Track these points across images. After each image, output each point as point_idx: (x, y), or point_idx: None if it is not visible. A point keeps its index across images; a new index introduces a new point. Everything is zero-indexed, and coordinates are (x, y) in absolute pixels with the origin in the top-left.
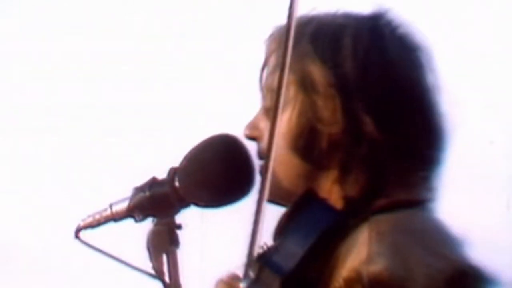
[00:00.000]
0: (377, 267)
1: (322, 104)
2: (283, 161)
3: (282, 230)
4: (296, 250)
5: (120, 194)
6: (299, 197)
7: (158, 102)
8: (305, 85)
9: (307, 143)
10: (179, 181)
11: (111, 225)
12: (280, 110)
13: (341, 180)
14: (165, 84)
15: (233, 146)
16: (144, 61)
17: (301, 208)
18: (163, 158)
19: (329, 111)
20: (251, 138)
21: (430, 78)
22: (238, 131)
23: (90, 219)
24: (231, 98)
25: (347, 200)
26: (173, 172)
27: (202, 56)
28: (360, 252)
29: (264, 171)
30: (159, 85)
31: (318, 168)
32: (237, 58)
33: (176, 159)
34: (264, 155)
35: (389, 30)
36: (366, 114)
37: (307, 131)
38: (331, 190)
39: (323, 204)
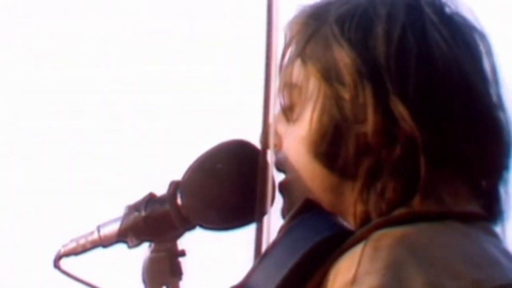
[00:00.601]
0: None
1: (349, 98)
2: (304, 171)
3: (271, 246)
4: (276, 271)
5: (110, 214)
6: (295, 209)
7: (154, 103)
8: (329, 75)
9: (332, 149)
10: (183, 198)
11: (99, 251)
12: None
13: (367, 190)
14: (162, 85)
15: (248, 155)
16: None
17: (294, 222)
18: (162, 169)
19: (358, 106)
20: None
21: (484, 67)
22: (252, 136)
23: (73, 244)
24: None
25: (367, 214)
26: (174, 186)
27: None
28: (348, 272)
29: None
30: (155, 86)
31: (343, 177)
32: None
33: (178, 171)
34: (282, 167)
35: (431, 9)
36: (403, 108)
37: (331, 133)
38: (355, 204)
39: (320, 218)
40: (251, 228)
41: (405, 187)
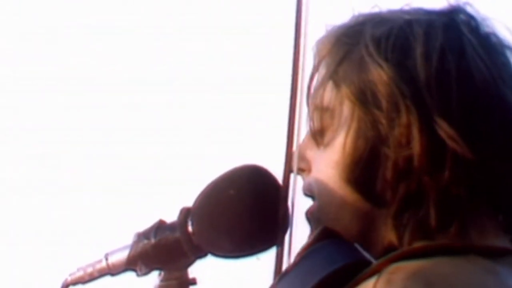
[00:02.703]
0: None
1: (388, 120)
2: (335, 196)
3: (285, 272)
4: None
5: (119, 241)
6: (313, 236)
7: (164, 123)
8: (365, 98)
9: (368, 174)
10: (194, 225)
11: (107, 280)
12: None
13: (404, 218)
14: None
15: (263, 181)
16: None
17: (310, 249)
18: (172, 196)
19: (400, 129)
20: (297, 171)
21: None
22: (266, 162)
23: (80, 273)
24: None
25: (395, 244)
26: (185, 213)
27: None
28: None
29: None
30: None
31: (376, 204)
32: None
33: (188, 197)
34: (311, 192)
35: (467, 28)
36: (450, 129)
37: (366, 157)
38: (386, 232)
39: (337, 246)
40: (271, 256)
41: (448, 216)
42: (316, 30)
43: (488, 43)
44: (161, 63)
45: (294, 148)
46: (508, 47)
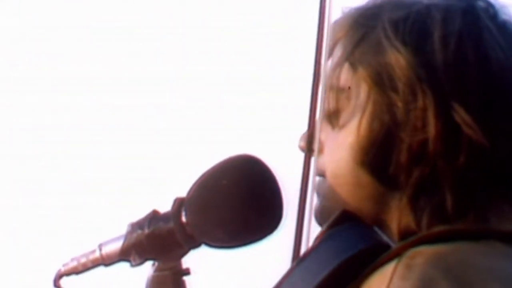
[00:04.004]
0: None
1: (404, 103)
2: (348, 179)
3: (304, 255)
4: (308, 282)
5: (112, 231)
6: (332, 219)
7: (159, 114)
8: (382, 80)
9: (382, 156)
10: (187, 215)
11: (100, 270)
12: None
13: (420, 201)
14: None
15: (254, 170)
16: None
17: (330, 233)
18: (165, 186)
19: (415, 112)
20: (309, 152)
21: None
22: (259, 151)
23: (74, 263)
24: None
25: (411, 227)
26: (179, 203)
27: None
28: None
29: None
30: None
31: (390, 186)
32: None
33: (182, 187)
34: (322, 173)
35: (486, 15)
36: (466, 114)
37: (381, 141)
38: (401, 215)
39: (357, 230)
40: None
41: (465, 200)
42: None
43: (506, 30)
44: (163, 62)
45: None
46: None
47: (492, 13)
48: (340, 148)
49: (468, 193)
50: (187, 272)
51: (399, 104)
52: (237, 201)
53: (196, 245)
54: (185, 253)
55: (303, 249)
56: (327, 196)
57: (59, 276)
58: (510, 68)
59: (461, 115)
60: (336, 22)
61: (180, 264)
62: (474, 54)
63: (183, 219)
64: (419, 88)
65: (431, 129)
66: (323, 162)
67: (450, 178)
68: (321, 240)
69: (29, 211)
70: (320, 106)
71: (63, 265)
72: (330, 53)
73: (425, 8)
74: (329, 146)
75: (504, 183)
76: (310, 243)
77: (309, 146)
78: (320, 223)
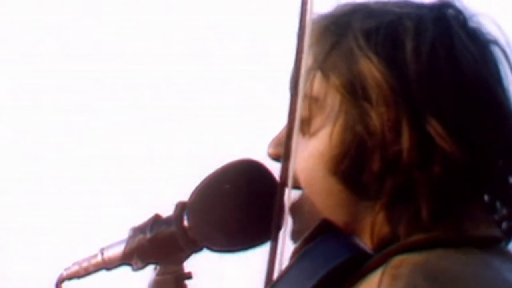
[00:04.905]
0: None
1: (377, 114)
2: (319, 187)
3: (284, 272)
4: None
5: (114, 236)
6: (310, 231)
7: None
8: (355, 90)
9: (354, 166)
10: (189, 220)
11: (102, 274)
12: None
13: (395, 211)
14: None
15: (258, 175)
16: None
17: (309, 246)
18: (167, 191)
19: (388, 122)
20: (277, 157)
21: (507, 85)
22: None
23: (75, 268)
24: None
25: (387, 236)
26: (181, 208)
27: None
28: None
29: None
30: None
31: (361, 196)
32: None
33: (184, 192)
34: (295, 182)
35: (457, 22)
36: (439, 126)
37: (353, 150)
38: (374, 224)
39: (336, 240)
40: (264, 249)
41: (440, 208)
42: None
43: (476, 37)
44: (158, 60)
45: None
46: (495, 42)
47: (463, 21)
48: (311, 157)
49: (443, 202)
50: (189, 276)
51: (372, 114)
52: (239, 206)
53: (198, 249)
54: (187, 257)
55: (277, 260)
56: (303, 218)
57: (61, 281)
58: (481, 77)
59: (434, 126)
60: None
61: (182, 268)
62: (446, 64)
63: (185, 223)
64: (392, 99)
65: (405, 140)
66: (295, 170)
67: (425, 187)
68: (301, 253)
69: (28, 213)
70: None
71: (65, 269)
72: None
73: (397, 18)
74: (300, 154)
75: (478, 190)
76: (285, 255)
77: (277, 153)
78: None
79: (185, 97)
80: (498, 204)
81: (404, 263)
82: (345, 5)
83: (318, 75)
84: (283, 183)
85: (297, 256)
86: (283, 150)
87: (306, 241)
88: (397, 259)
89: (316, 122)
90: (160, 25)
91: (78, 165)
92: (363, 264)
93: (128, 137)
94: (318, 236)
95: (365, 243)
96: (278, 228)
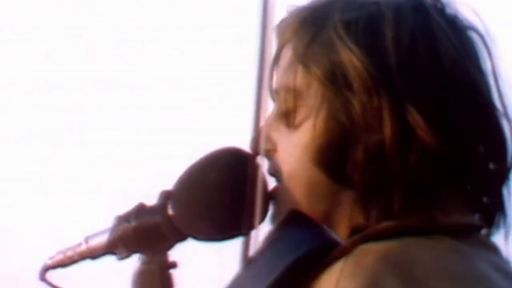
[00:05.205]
0: None
1: (360, 103)
2: (302, 178)
3: (254, 257)
4: (258, 284)
5: (98, 224)
6: (281, 220)
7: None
8: (336, 80)
9: (338, 155)
10: (174, 208)
11: (87, 263)
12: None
13: (370, 200)
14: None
15: (242, 163)
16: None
17: (278, 233)
18: (152, 179)
19: (370, 112)
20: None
21: (487, 72)
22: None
23: (60, 256)
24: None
25: (361, 226)
26: (165, 196)
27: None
28: None
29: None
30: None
31: (344, 186)
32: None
33: (168, 180)
34: (276, 173)
35: (435, 10)
36: (418, 116)
37: (337, 140)
38: (352, 214)
39: (306, 229)
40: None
41: (413, 198)
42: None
43: (455, 24)
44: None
45: (260, 129)
46: (473, 28)
47: (441, 8)
48: (296, 148)
49: (417, 191)
50: (174, 265)
51: (355, 103)
52: (224, 195)
53: (182, 238)
54: (171, 246)
55: (251, 251)
56: (283, 202)
57: (45, 269)
58: (461, 65)
59: (414, 116)
60: (283, 22)
61: (167, 257)
62: (426, 52)
63: (170, 212)
64: (374, 88)
65: (387, 129)
66: (277, 162)
67: (401, 177)
68: (270, 241)
69: (11, 206)
70: (264, 106)
71: (49, 258)
72: (279, 54)
73: (376, 7)
74: (283, 146)
75: (456, 179)
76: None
77: (256, 146)
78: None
79: (185, 98)
80: (479, 193)
81: (367, 251)
82: None
83: (300, 67)
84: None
85: (264, 244)
86: (268, 145)
87: (278, 229)
88: (361, 248)
89: (300, 114)
90: (153, 26)
91: (77, 165)
92: (330, 252)
93: (127, 138)
94: (289, 224)
95: (342, 233)
96: (264, 214)
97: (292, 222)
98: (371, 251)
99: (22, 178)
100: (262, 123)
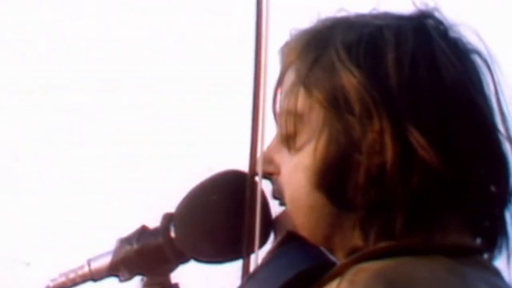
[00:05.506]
0: None
1: (360, 127)
2: (304, 201)
3: (250, 276)
4: None
5: (102, 247)
6: (277, 241)
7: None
8: (337, 104)
9: (338, 179)
10: (176, 231)
11: (89, 286)
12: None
13: (367, 223)
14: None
15: (244, 185)
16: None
17: (274, 253)
18: (154, 202)
19: (372, 135)
20: (266, 176)
21: (489, 96)
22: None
23: (62, 279)
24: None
25: (359, 248)
26: (168, 219)
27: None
28: None
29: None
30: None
31: (345, 209)
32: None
33: (171, 203)
34: (280, 196)
35: (437, 32)
36: (420, 137)
37: (338, 163)
38: (352, 236)
39: (302, 249)
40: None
41: (414, 220)
42: (277, 33)
43: (457, 48)
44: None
45: (259, 152)
46: (476, 52)
47: (443, 31)
48: (296, 171)
49: (418, 213)
50: (176, 287)
51: (356, 126)
52: (225, 217)
53: (185, 260)
54: (174, 268)
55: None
56: (285, 225)
57: None
58: (462, 87)
59: (415, 137)
60: (286, 45)
61: (169, 279)
62: (427, 74)
63: (172, 234)
64: (375, 111)
65: (389, 151)
66: (280, 185)
67: (402, 199)
68: (267, 260)
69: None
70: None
71: (51, 281)
72: (282, 77)
73: (377, 30)
74: (285, 169)
75: (458, 200)
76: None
77: (265, 171)
78: None
79: (185, 98)
80: (480, 215)
81: (363, 270)
82: (326, 19)
83: (301, 91)
84: (251, 189)
85: (260, 263)
86: (272, 168)
87: (275, 249)
88: (357, 267)
89: (302, 137)
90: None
91: (77, 165)
92: (326, 272)
93: (127, 138)
94: (285, 244)
95: (343, 256)
96: (267, 236)
97: (289, 243)
98: (367, 269)
99: (22, 179)
100: (259, 147)
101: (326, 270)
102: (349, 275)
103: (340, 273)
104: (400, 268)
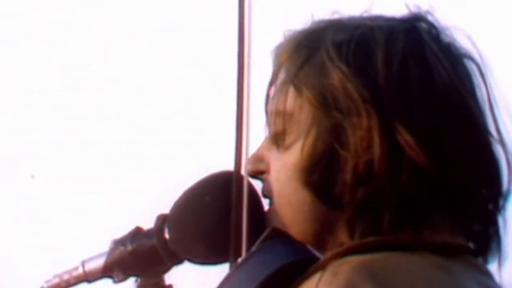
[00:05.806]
0: None
1: (349, 124)
2: (291, 199)
3: (233, 271)
4: None
5: (96, 248)
6: (262, 237)
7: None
8: (326, 102)
9: (326, 177)
10: (170, 232)
11: (84, 287)
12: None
13: (355, 221)
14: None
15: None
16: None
17: (258, 248)
18: (148, 203)
19: (360, 133)
20: (255, 173)
21: (481, 99)
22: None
23: (56, 280)
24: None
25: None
26: (162, 220)
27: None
28: None
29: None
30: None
31: (333, 206)
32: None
33: (165, 204)
34: (269, 193)
35: (429, 35)
36: (408, 136)
37: (326, 161)
38: (340, 234)
39: (286, 244)
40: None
41: (402, 217)
42: (260, 32)
43: (449, 51)
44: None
45: (243, 150)
46: (468, 56)
47: (435, 35)
48: (284, 169)
49: (406, 211)
50: None
51: (344, 124)
52: (219, 218)
53: (179, 261)
54: (168, 269)
55: None
56: (274, 223)
57: None
58: (453, 89)
59: (403, 136)
60: (279, 46)
61: (163, 280)
62: (417, 74)
63: (166, 235)
64: (364, 109)
65: (376, 149)
66: (269, 183)
67: (390, 197)
68: (251, 254)
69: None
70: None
71: (46, 282)
72: (275, 77)
73: (368, 31)
74: (274, 167)
75: (445, 200)
76: None
77: (256, 170)
78: None
79: (185, 98)
80: (470, 216)
81: (346, 262)
82: (319, 21)
83: (291, 90)
84: (238, 187)
85: (244, 258)
86: (262, 166)
87: (259, 244)
88: (341, 260)
89: (291, 136)
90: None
91: (73, 165)
92: (311, 265)
93: (125, 138)
94: (269, 240)
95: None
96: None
97: (273, 239)
98: (350, 261)
99: (18, 179)
100: (244, 146)
101: (310, 264)
102: (332, 266)
103: (324, 266)
104: (384, 262)
